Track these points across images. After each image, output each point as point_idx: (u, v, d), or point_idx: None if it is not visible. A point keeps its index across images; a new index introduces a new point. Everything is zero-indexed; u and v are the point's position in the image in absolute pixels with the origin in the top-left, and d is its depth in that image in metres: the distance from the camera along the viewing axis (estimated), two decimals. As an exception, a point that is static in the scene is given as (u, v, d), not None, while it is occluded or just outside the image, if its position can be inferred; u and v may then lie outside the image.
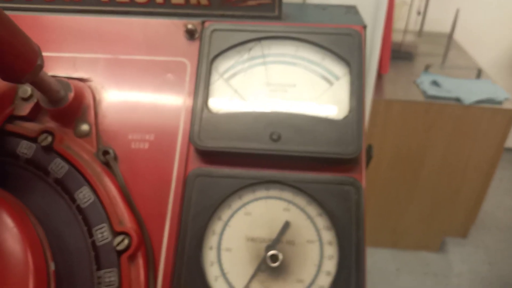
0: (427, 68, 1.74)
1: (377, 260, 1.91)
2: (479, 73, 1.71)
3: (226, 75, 0.46)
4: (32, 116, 0.46)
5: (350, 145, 0.43)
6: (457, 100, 1.57)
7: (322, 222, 0.41)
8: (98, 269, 0.39)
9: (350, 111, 0.44)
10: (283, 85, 0.46)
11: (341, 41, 0.46)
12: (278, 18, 0.50)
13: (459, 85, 1.63)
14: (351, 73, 0.45)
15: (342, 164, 0.44)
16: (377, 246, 1.96)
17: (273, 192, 0.43)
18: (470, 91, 1.59)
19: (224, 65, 0.47)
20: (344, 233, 0.41)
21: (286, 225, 0.41)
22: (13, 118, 0.46)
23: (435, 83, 1.64)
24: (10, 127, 0.45)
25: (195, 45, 0.49)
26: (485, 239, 2.04)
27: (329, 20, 0.51)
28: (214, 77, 0.46)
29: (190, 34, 0.48)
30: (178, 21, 0.50)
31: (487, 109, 1.56)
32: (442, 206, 1.80)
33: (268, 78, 0.46)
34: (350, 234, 0.41)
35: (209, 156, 0.44)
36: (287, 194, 0.43)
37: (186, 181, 0.43)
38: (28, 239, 0.37)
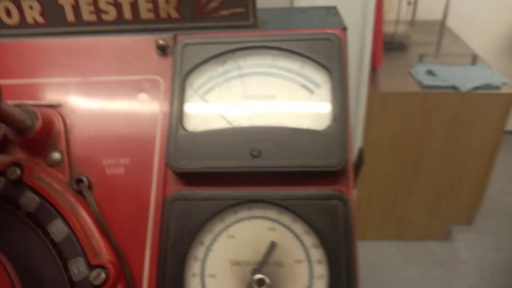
0: (421, 58, 1.71)
1: (383, 254, 1.89)
2: (474, 59, 1.68)
3: (201, 91, 0.44)
4: (0, 147, 0.44)
5: (335, 156, 0.40)
6: (454, 88, 1.54)
7: (309, 240, 0.39)
8: (76, 306, 0.37)
9: (333, 120, 0.42)
10: (261, 97, 0.43)
11: (319, 47, 0.43)
12: (254, 26, 0.47)
13: (455, 72, 1.60)
14: (332, 80, 0.43)
15: (328, 176, 0.41)
16: (382, 239, 1.94)
17: (257, 212, 0.40)
18: (466, 78, 1.56)
19: (198, 80, 0.44)
20: (333, 250, 0.38)
21: (272, 246, 0.39)
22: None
23: (430, 73, 1.61)
24: (-23, 160, 0.43)
25: (167, 61, 0.46)
26: (490, 224, 2.01)
27: (308, 24, 0.49)
28: (189, 93, 0.44)
29: (162, 50, 0.46)
30: (149, 37, 0.47)
31: (485, 95, 1.54)
32: (445, 195, 1.78)
33: (245, 91, 0.44)
34: (340, 252, 0.38)
35: (187, 177, 0.42)
36: (272, 213, 0.40)
37: (163, 207, 0.40)
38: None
